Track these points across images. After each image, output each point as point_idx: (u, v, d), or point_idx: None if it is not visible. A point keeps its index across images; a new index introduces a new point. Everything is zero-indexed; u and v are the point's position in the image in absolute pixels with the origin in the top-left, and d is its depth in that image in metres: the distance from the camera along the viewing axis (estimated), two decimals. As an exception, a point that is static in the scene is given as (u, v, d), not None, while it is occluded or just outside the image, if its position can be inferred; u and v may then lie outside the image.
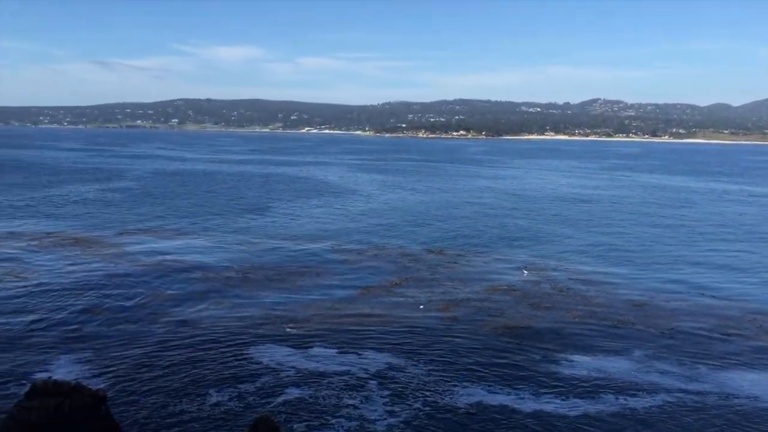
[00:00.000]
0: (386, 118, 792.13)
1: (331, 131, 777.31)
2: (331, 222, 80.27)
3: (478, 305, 43.98)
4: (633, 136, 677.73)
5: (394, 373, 31.88)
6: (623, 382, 31.43)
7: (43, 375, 27.99)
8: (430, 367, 32.68)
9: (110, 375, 30.60)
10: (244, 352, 34.27)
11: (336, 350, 34.85)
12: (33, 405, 24.54)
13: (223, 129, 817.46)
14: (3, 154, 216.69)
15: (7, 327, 37.24)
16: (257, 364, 32.60)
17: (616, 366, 33.50)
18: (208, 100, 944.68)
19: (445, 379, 31.27)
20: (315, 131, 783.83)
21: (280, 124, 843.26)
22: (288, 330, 38.03)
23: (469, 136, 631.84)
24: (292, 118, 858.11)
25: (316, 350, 34.81)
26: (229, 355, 33.83)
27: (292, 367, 32.21)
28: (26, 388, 25.19)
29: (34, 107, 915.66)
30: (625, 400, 29.29)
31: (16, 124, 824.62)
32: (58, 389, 24.94)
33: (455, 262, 57.18)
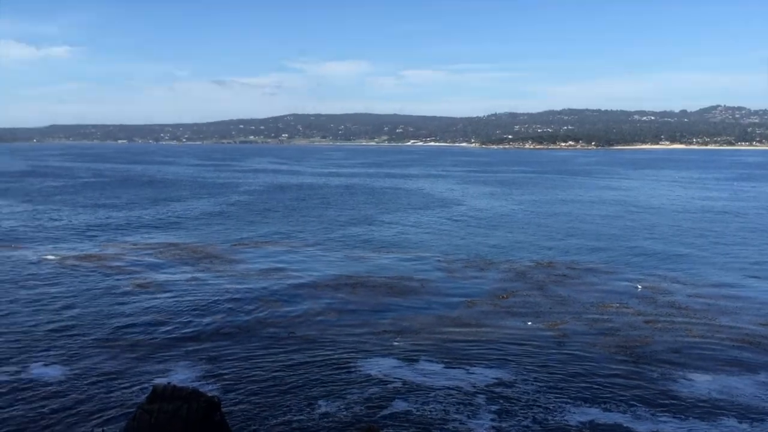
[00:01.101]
0: (492, 129, 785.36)
1: (437, 143, 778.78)
2: (438, 234, 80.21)
3: (589, 321, 42.58)
4: (757, 144, 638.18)
5: (502, 388, 31.33)
6: (747, 404, 29.49)
7: (163, 380, 29.40)
8: (540, 384, 31.89)
9: (225, 382, 31.76)
10: (353, 363, 34.69)
11: (443, 364, 34.64)
12: (154, 408, 25.88)
13: (331, 143, 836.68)
14: (129, 170, 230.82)
15: (132, 333, 39.46)
16: (365, 375, 32.90)
17: (740, 387, 31.49)
18: (317, 115, 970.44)
19: (556, 396, 30.41)
20: (420, 144, 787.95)
21: (386, 137, 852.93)
22: (395, 343, 38.20)
23: (578, 146, 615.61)
24: (397, 131, 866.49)
25: (423, 363, 34.74)
26: (338, 365, 34.34)
27: (399, 380, 32.29)
28: (148, 392, 26.66)
29: (156, 125, 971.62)
30: (750, 425, 27.46)
31: (140, 141, 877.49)
32: (177, 394, 26.20)
33: (565, 276, 55.68)
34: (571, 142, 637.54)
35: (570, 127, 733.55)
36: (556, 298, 48.38)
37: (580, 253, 67.24)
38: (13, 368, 32.94)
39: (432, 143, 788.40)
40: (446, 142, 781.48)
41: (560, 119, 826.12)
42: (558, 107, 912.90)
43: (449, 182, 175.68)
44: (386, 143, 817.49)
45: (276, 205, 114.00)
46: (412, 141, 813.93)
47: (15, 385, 30.78)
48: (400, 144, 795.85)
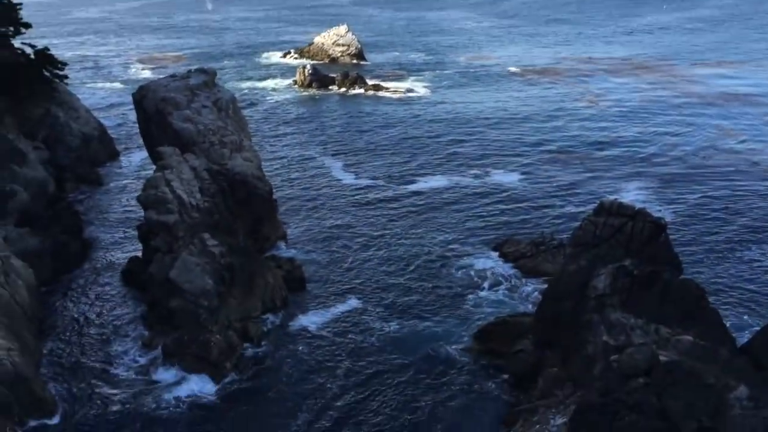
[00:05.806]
0: None
1: None
2: None
3: None
4: None
5: None
6: None
7: (612, 197, 30.48)
8: None
9: (674, 206, 31.27)
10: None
11: None
12: (600, 220, 27.29)
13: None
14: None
15: (583, 148, 40.84)
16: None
17: None
18: None
19: None
20: None
21: None
22: None
23: None
24: None
25: None
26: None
27: None
28: (595, 206, 28.10)
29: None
30: None
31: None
32: (622, 211, 26.98)
33: None
34: None
35: None
36: None
37: None
38: (478, 172, 37.30)
39: None
40: None
41: None
42: None
43: None
44: None
45: (748, 20, 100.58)
46: None
47: (482, 188, 34.83)
48: None
